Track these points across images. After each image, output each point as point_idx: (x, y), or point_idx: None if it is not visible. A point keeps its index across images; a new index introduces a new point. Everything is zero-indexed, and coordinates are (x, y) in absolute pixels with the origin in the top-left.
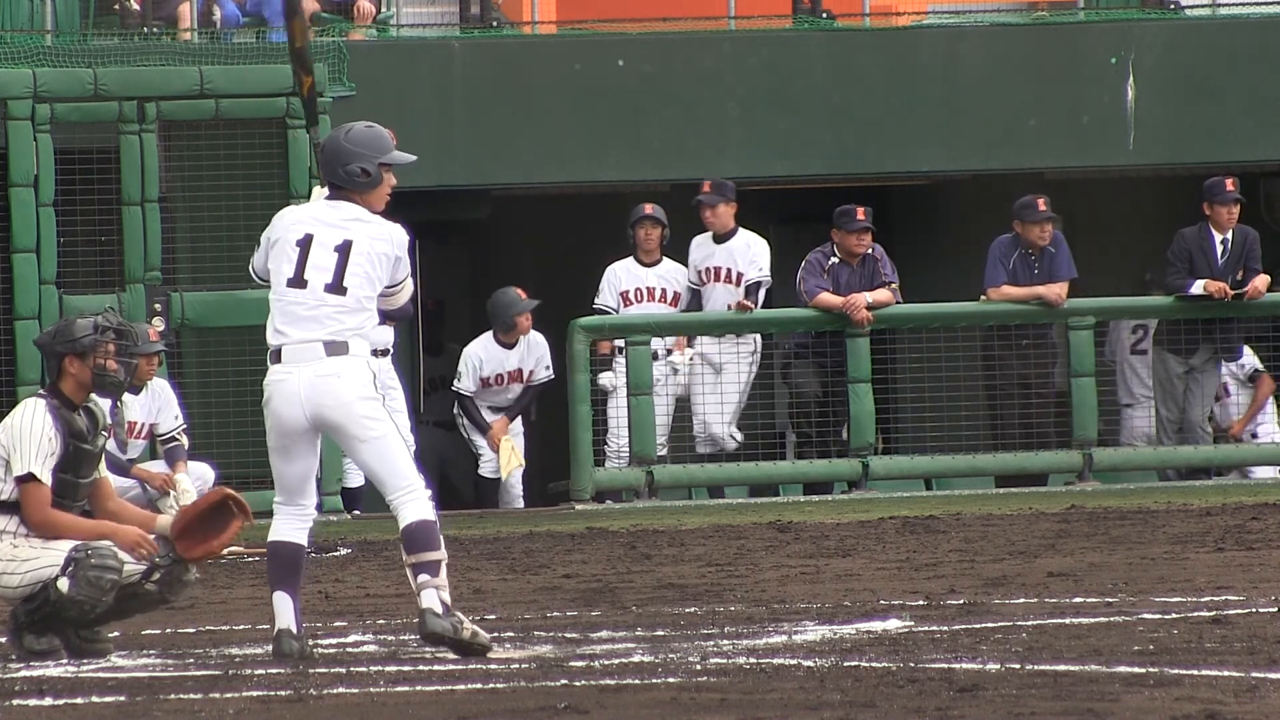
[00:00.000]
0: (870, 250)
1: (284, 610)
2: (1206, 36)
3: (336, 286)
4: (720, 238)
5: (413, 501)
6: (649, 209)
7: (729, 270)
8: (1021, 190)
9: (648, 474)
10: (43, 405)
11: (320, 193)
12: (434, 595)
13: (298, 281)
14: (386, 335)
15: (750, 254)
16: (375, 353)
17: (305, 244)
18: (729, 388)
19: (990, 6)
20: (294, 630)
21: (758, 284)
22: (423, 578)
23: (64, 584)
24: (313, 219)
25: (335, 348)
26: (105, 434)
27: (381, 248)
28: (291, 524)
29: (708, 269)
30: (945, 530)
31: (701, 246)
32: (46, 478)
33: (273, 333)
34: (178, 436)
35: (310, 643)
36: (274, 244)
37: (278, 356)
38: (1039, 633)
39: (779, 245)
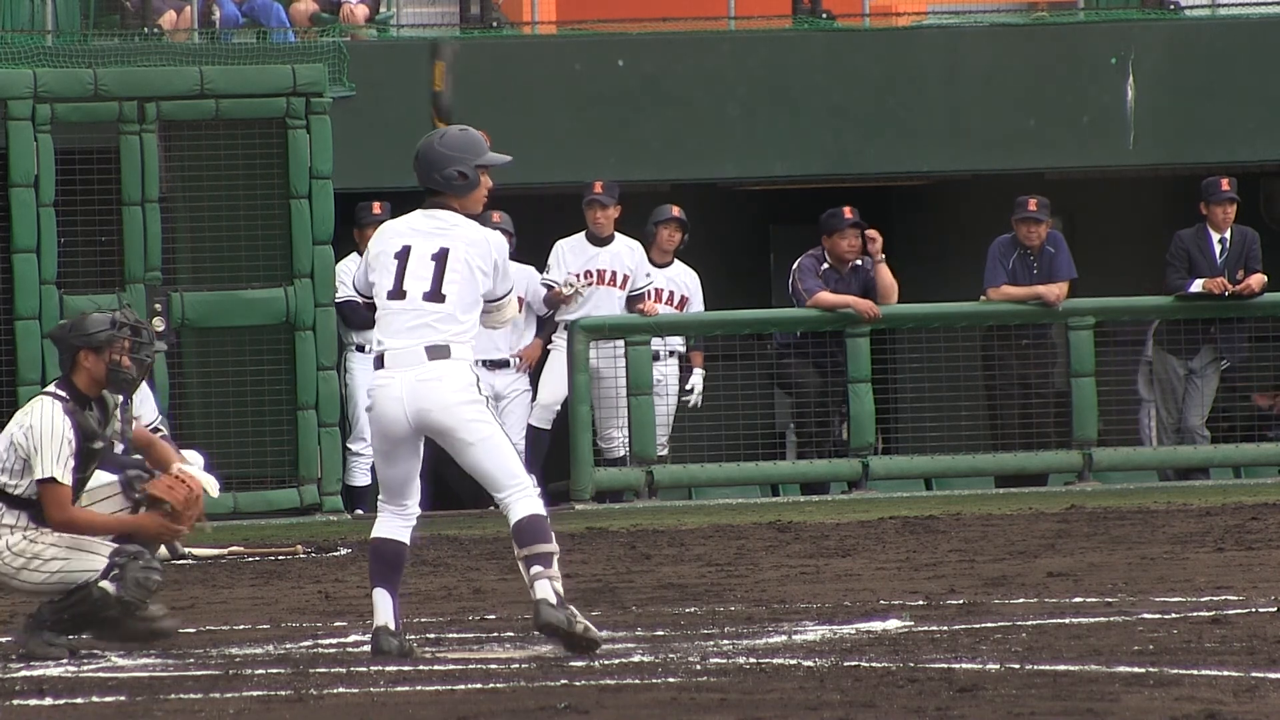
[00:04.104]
0: (860, 261)
1: (383, 607)
2: (1206, 36)
3: (435, 294)
4: (601, 241)
5: (524, 498)
6: (676, 211)
7: (613, 273)
8: (1021, 190)
9: (648, 474)
10: (60, 407)
11: None
12: (548, 586)
13: (397, 293)
14: None
15: (635, 257)
16: None
17: (403, 255)
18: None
19: (990, 6)
20: (392, 627)
21: (649, 289)
22: (536, 569)
23: (109, 586)
24: (410, 230)
25: (437, 351)
26: (117, 419)
27: (479, 252)
28: (394, 523)
29: (588, 271)
30: (945, 530)
31: (577, 250)
32: (67, 479)
33: (376, 342)
34: (160, 426)
35: (411, 639)
36: (374, 256)
37: (380, 362)
38: (1039, 633)
39: (779, 245)
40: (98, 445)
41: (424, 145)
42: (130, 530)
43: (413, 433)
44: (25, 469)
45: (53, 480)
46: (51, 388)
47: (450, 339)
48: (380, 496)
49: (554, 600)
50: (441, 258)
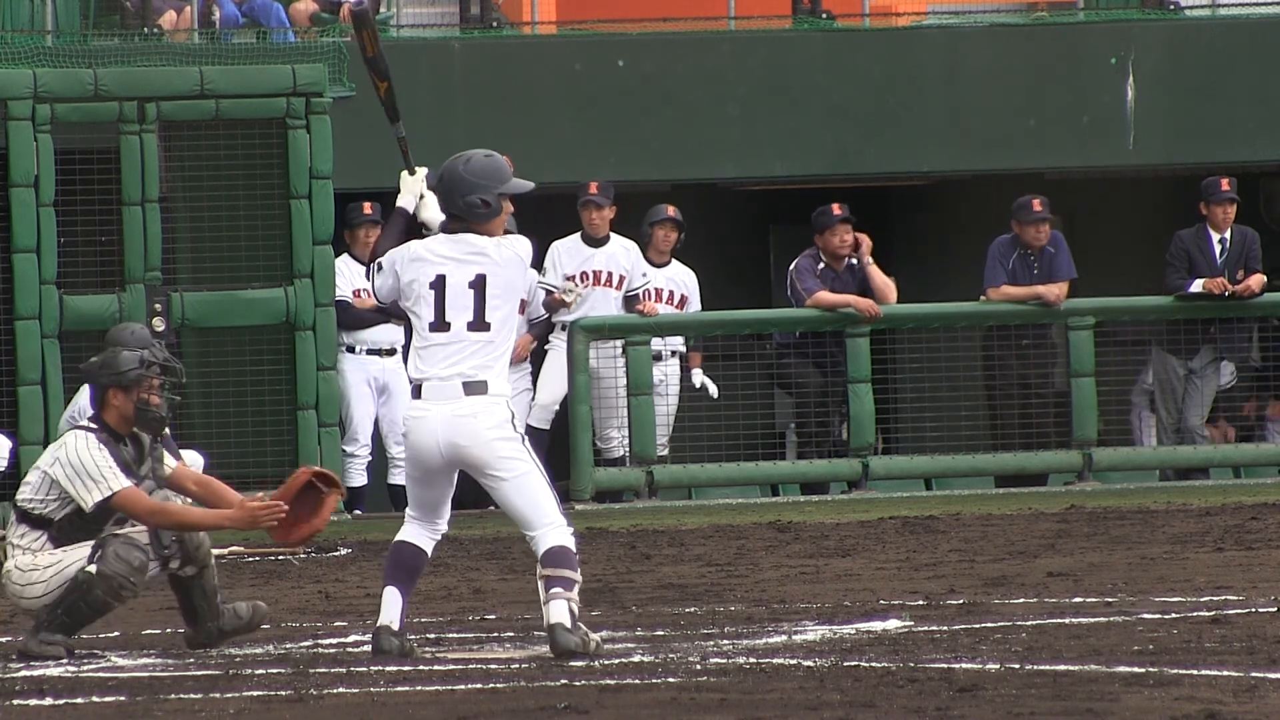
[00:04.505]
0: (854, 260)
1: (390, 605)
2: (1206, 36)
3: (479, 323)
4: (597, 242)
5: (554, 532)
6: (671, 211)
7: (609, 274)
8: (1021, 190)
9: (648, 474)
10: (92, 437)
11: (408, 181)
12: (564, 606)
13: (440, 325)
14: (395, 334)
15: (630, 257)
16: (381, 352)
17: (439, 285)
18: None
19: (990, 6)
20: (394, 627)
21: (645, 289)
22: (555, 590)
23: (92, 567)
24: (440, 258)
25: (474, 387)
26: (150, 459)
27: (513, 272)
28: (420, 531)
29: (584, 273)
30: (945, 530)
31: (573, 251)
32: (125, 480)
33: (414, 369)
34: None
35: (411, 639)
36: (406, 283)
37: (418, 392)
38: (1039, 633)
39: (779, 245)
40: (130, 480)
41: (448, 169)
42: (226, 524)
43: (446, 465)
44: (60, 496)
45: (116, 493)
46: (83, 423)
47: (489, 372)
48: (411, 511)
49: (569, 624)
50: (480, 285)
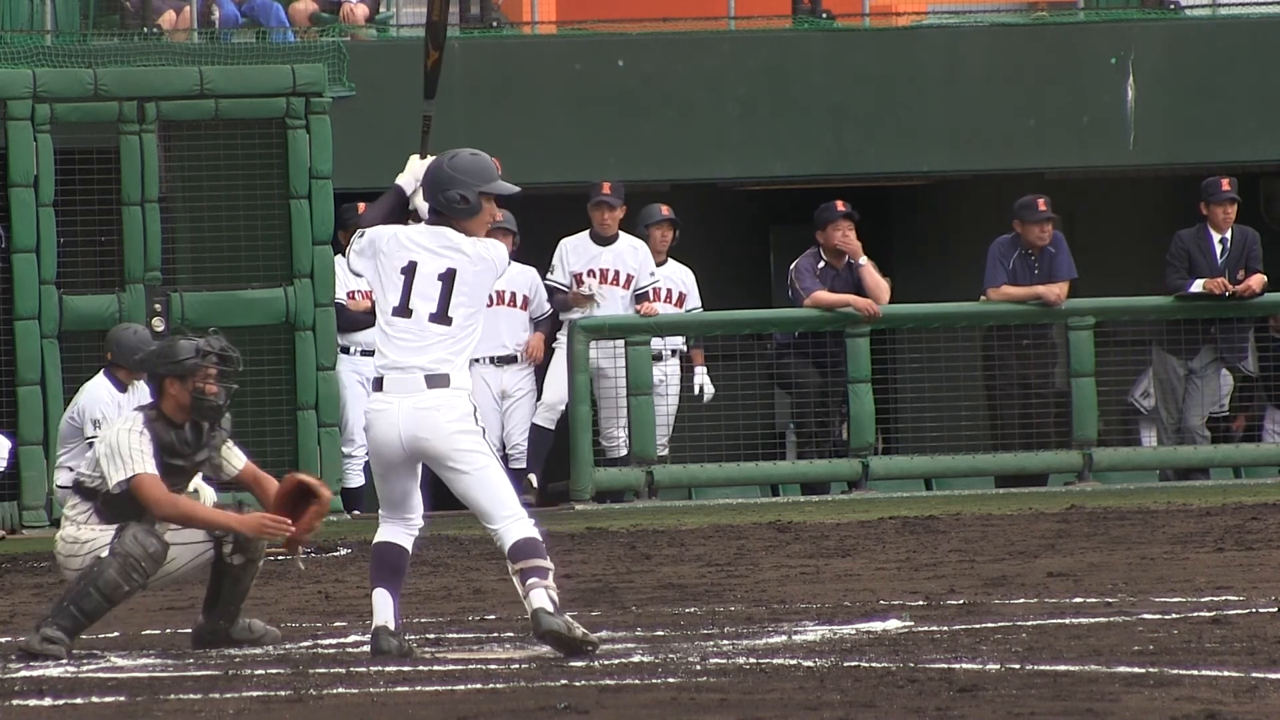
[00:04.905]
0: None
1: (383, 607)
2: (1206, 36)
3: (441, 316)
4: (605, 240)
5: (517, 524)
6: (666, 210)
7: (617, 273)
8: (1021, 190)
9: (648, 474)
10: (140, 419)
11: (415, 163)
12: (544, 594)
13: (403, 310)
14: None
15: (639, 256)
16: (367, 352)
17: (409, 271)
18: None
19: (990, 6)
20: (391, 627)
21: (653, 288)
22: (531, 580)
23: (104, 550)
24: (416, 245)
25: (436, 380)
26: (207, 448)
27: (484, 277)
28: (397, 530)
29: (591, 271)
30: (945, 530)
31: (581, 249)
32: (149, 467)
33: (378, 356)
34: None
35: (411, 639)
36: (380, 257)
37: (379, 385)
38: (1039, 633)
39: (779, 245)
40: (178, 463)
41: (434, 163)
42: (234, 526)
43: (407, 458)
44: (103, 476)
45: (135, 476)
46: (141, 405)
47: (450, 366)
48: (381, 510)
49: (550, 608)
50: (448, 279)
